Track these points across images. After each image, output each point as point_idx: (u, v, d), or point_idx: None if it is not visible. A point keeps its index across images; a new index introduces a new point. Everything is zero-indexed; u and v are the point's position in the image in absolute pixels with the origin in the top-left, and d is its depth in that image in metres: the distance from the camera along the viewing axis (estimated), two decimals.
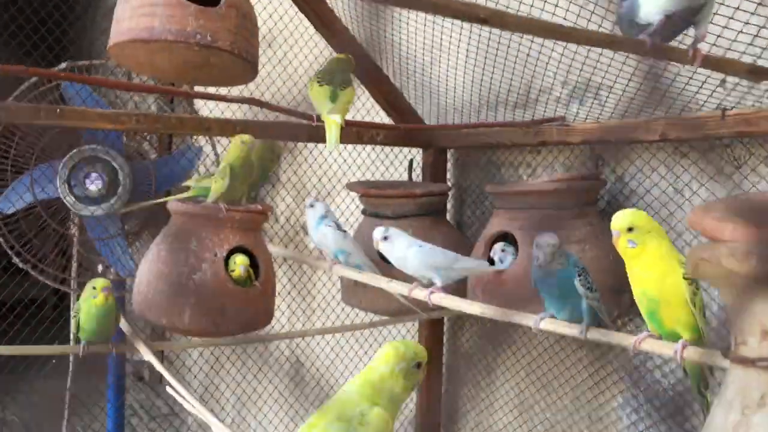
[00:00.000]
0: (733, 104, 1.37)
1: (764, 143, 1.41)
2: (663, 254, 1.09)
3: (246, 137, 1.66)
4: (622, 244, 1.11)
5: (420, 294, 1.45)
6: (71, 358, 2.85)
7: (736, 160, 1.47)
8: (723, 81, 1.38)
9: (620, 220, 1.11)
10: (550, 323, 1.27)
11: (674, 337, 1.13)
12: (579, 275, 1.25)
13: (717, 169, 1.51)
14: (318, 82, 1.64)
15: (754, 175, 1.43)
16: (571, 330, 1.25)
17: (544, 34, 0.81)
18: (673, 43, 1.10)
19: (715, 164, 1.51)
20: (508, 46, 1.72)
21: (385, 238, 1.49)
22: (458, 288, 1.75)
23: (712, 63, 1.03)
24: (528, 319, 1.30)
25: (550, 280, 1.27)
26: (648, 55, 0.93)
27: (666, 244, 1.10)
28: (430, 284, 1.47)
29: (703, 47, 0.86)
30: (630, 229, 1.10)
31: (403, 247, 1.48)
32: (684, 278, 1.07)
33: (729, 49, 1.22)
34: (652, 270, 1.10)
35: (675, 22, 0.95)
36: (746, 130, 1.33)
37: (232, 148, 1.66)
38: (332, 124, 1.60)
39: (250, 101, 1.62)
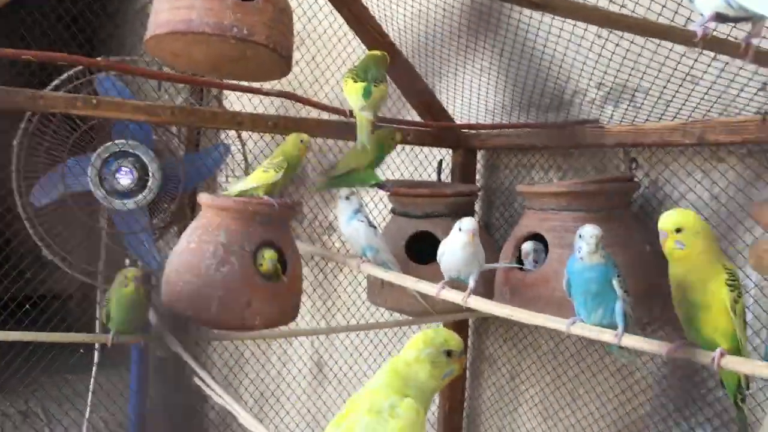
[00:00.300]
0: None
1: None
2: (710, 258, 1.06)
3: (305, 136, 1.68)
4: (669, 245, 1.08)
5: (455, 297, 1.43)
6: (96, 350, 2.88)
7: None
8: (765, 84, 1.35)
9: (669, 220, 1.08)
10: (582, 328, 1.24)
11: (711, 345, 1.09)
12: (618, 276, 1.22)
13: (756, 175, 1.48)
14: (352, 78, 1.65)
15: None
16: (605, 335, 1.21)
17: (593, 21, 0.79)
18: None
19: (754, 169, 1.48)
20: (544, 47, 1.71)
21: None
22: (486, 290, 1.74)
23: (763, 58, 1.01)
24: (559, 323, 1.27)
25: (588, 275, 1.23)
26: (698, 46, 0.91)
27: (714, 247, 1.07)
28: (455, 284, 1.46)
29: (755, 41, 0.84)
30: (678, 230, 1.07)
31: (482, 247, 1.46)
32: (726, 284, 1.05)
33: None
34: (696, 273, 1.07)
35: (728, 18, 0.93)
36: None
37: (289, 145, 1.68)
38: (364, 121, 1.59)
39: (285, 95, 1.63)
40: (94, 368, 2.91)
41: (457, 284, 1.48)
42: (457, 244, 1.43)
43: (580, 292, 1.26)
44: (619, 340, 1.18)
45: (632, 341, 1.18)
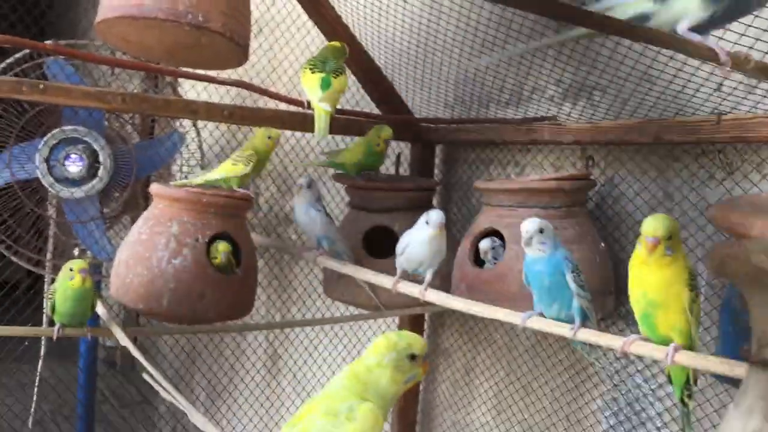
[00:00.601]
0: (729, 110, 1.36)
1: (757, 150, 1.41)
2: (679, 259, 1.07)
3: (274, 132, 1.66)
4: (659, 252, 1.06)
5: (413, 290, 1.43)
6: (43, 342, 2.80)
7: (729, 165, 1.46)
8: (720, 85, 1.37)
9: (660, 226, 1.06)
10: (538, 321, 1.26)
11: (665, 342, 1.11)
12: (572, 271, 1.24)
13: (709, 174, 1.50)
14: (310, 69, 1.62)
15: (746, 181, 1.42)
16: (560, 329, 1.23)
17: (557, 15, 0.78)
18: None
19: (707, 169, 1.51)
20: (504, 43, 1.71)
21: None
22: (442, 285, 1.73)
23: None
24: (516, 317, 1.28)
25: (536, 268, 1.25)
26: (721, 64, 0.92)
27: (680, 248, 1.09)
28: (409, 277, 1.46)
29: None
30: (669, 237, 1.06)
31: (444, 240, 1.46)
32: (687, 285, 1.06)
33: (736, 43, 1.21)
34: (660, 274, 1.08)
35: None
36: (741, 136, 1.32)
37: (258, 139, 1.66)
38: (322, 113, 1.57)
39: (241, 84, 1.59)
40: (40, 360, 2.83)
41: (413, 277, 1.47)
42: (424, 236, 1.43)
43: (535, 286, 1.28)
44: (574, 335, 1.20)
45: (588, 335, 1.19)
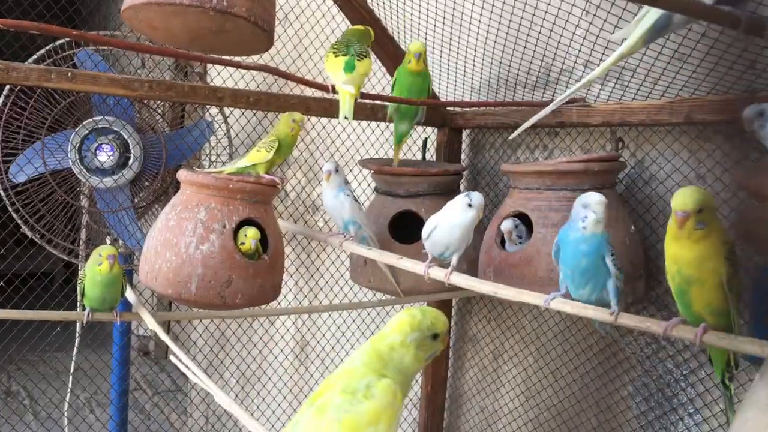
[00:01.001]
0: (763, 87, 1.33)
1: None
2: (717, 234, 1.02)
3: (297, 115, 1.65)
4: (689, 226, 1.02)
5: (438, 274, 1.40)
6: (77, 330, 2.85)
7: (763, 145, 1.42)
8: (753, 63, 1.33)
9: (690, 200, 1.01)
10: (564, 304, 1.21)
11: (699, 321, 1.07)
12: (612, 254, 1.19)
13: (743, 155, 1.46)
14: (333, 52, 1.62)
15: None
16: (597, 313, 1.17)
17: None
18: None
19: (741, 149, 1.47)
20: (530, 25, 1.68)
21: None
22: (469, 269, 1.72)
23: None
24: (539, 299, 1.24)
25: (583, 247, 1.20)
26: (742, 31, 0.90)
27: (717, 222, 1.05)
28: (438, 263, 1.44)
29: None
30: (700, 210, 1.01)
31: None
32: (726, 258, 1.01)
33: None
34: (697, 250, 1.03)
35: None
36: None
37: (282, 124, 1.65)
38: (346, 95, 1.57)
39: (266, 69, 1.59)
40: (75, 347, 2.88)
41: (440, 262, 1.46)
42: (462, 219, 1.40)
43: (569, 265, 1.23)
44: (615, 319, 1.14)
45: (627, 320, 1.14)
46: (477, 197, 1.39)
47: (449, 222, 1.41)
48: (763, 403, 0.39)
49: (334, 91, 1.62)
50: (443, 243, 1.43)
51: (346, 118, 1.56)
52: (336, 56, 1.60)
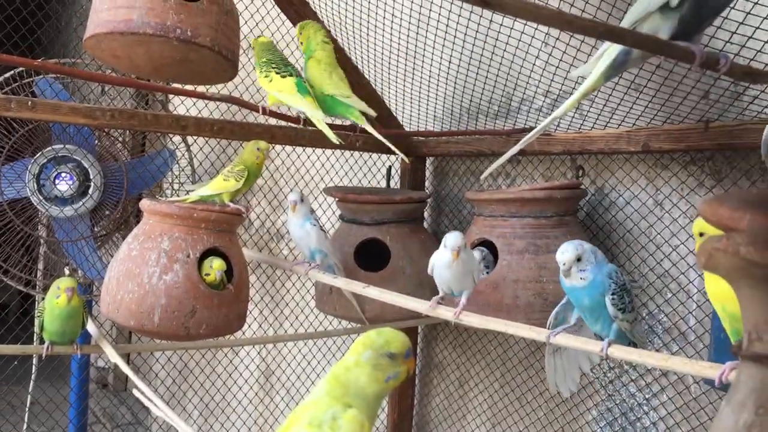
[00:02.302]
0: (716, 117, 1.37)
1: (746, 156, 1.41)
2: None
3: (262, 144, 1.65)
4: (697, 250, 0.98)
5: (446, 314, 1.33)
6: (34, 362, 2.78)
7: (717, 173, 1.47)
8: (707, 93, 1.38)
9: (694, 225, 1.00)
10: (566, 338, 1.17)
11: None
12: (613, 293, 1.15)
13: (698, 182, 1.51)
14: (276, 72, 1.62)
15: (736, 188, 1.43)
16: (590, 346, 1.14)
17: (544, 20, 0.78)
18: None
19: (696, 177, 1.51)
20: (492, 56, 1.72)
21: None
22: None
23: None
24: (543, 334, 1.20)
25: (574, 294, 1.19)
26: (698, 66, 0.94)
27: None
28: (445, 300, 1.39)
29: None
30: (701, 234, 0.99)
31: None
32: None
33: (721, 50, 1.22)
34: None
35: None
36: (729, 143, 1.33)
37: (247, 152, 1.65)
38: (321, 123, 1.59)
39: (230, 99, 1.59)
40: (32, 380, 2.80)
41: (451, 299, 1.40)
42: (444, 260, 1.35)
43: (576, 307, 1.21)
44: (605, 354, 1.11)
45: (623, 353, 1.11)
46: (450, 239, 1.33)
47: (438, 262, 1.38)
48: (729, 428, 0.41)
49: (306, 124, 1.64)
50: (442, 282, 1.39)
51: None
52: (283, 77, 1.60)
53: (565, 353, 1.37)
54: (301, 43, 1.73)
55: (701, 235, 1.00)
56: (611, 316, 1.16)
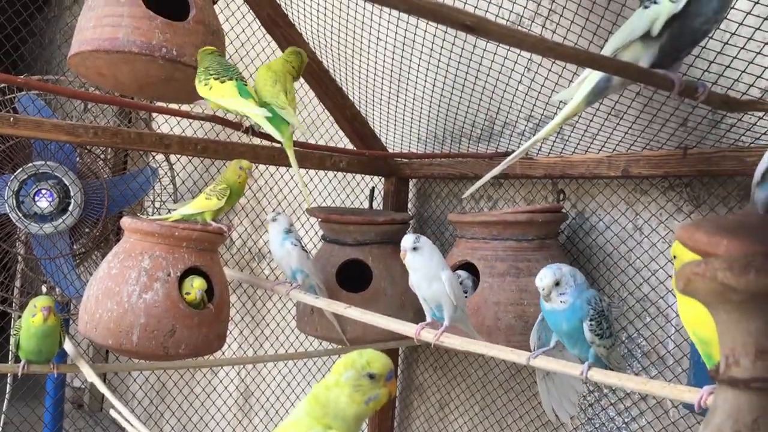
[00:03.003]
0: (694, 144, 1.39)
1: (723, 183, 1.44)
2: None
3: (245, 163, 1.63)
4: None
5: (428, 336, 1.30)
6: (9, 381, 2.73)
7: (696, 199, 1.49)
8: (685, 120, 1.40)
9: (676, 246, 1.00)
10: (546, 361, 1.17)
11: None
12: (591, 319, 1.15)
13: (676, 208, 1.53)
14: (215, 78, 1.52)
15: (713, 214, 1.45)
16: (571, 369, 1.14)
17: (527, 47, 0.80)
18: None
19: (675, 202, 1.53)
20: (475, 80, 1.74)
21: (415, 248, 1.30)
22: (417, 317, 1.73)
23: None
24: (522, 357, 1.19)
25: (552, 318, 1.19)
26: (677, 94, 0.96)
27: None
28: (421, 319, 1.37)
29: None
30: (674, 257, 1.01)
31: (434, 264, 1.30)
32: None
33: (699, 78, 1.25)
34: (699, 305, 0.98)
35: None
36: (707, 169, 1.35)
37: (230, 171, 1.63)
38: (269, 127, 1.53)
39: (214, 119, 1.59)
40: (5, 399, 2.75)
41: (436, 323, 1.36)
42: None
43: (556, 330, 1.21)
44: (585, 376, 1.11)
45: (603, 377, 1.11)
46: (403, 240, 1.31)
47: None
48: None
49: (250, 133, 1.60)
50: (421, 296, 1.35)
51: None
52: (222, 82, 1.52)
53: (556, 376, 1.37)
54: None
55: (674, 258, 1.01)
56: (588, 341, 1.17)
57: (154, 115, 2.91)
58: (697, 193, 1.49)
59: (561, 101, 1.23)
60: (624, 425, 1.64)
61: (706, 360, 1.02)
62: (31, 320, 1.57)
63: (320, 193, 2.48)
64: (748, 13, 1.17)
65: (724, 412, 0.42)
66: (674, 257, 1.01)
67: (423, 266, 1.30)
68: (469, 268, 1.64)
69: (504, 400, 1.92)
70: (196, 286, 1.54)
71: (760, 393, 0.41)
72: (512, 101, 1.73)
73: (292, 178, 2.51)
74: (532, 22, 1.71)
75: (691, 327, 1.01)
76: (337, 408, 0.84)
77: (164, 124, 2.73)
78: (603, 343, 1.16)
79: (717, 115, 1.36)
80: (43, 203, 2.37)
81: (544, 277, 1.17)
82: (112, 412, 1.46)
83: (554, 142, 1.69)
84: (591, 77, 1.14)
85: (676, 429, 1.52)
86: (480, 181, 1.30)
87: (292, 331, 2.50)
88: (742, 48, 1.20)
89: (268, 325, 2.64)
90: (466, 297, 1.58)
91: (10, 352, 2.75)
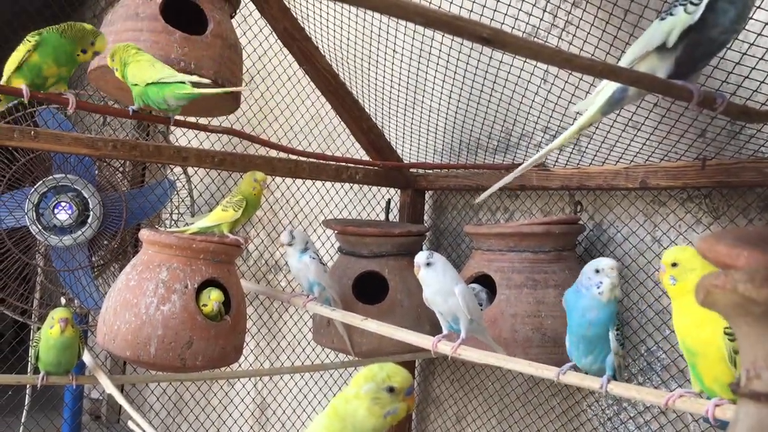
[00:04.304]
0: (713, 155, 1.38)
1: (743, 194, 1.42)
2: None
3: (259, 175, 1.64)
4: (665, 280, 1.03)
5: (445, 349, 1.30)
6: (27, 392, 2.75)
7: (715, 210, 1.48)
8: (703, 132, 1.39)
9: (667, 254, 1.04)
10: (573, 376, 1.17)
11: (715, 395, 1.01)
12: (617, 328, 1.17)
13: (695, 219, 1.52)
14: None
15: (733, 226, 1.43)
16: (591, 383, 1.14)
17: (543, 59, 0.80)
18: None
19: (694, 214, 1.52)
20: (491, 92, 1.74)
21: (429, 264, 1.31)
22: (433, 330, 1.72)
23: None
24: (551, 372, 1.19)
25: (592, 316, 1.18)
26: (695, 104, 0.96)
27: None
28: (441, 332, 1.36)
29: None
30: (674, 265, 1.03)
31: (448, 279, 1.30)
32: (725, 332, 0.96)
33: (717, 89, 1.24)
34: (690, 316, 1.00)
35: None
36: (725, 180, 1.34)
37: (245, 183, 1.64)
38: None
39: (231, 132, 1.60)
40: (24, 411, 2.77)
41: (453, 335, 1.36)
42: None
43: (575, 333, 1.21)
44: (605, 390, 1.12)
45: (621, 390, 1.12)
46: (416, 257, 1.33)
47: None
48: None
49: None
50: (436, 309, 1.36)
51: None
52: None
53: None
54: (116, 68, 1.53)
55: (674, 265, 1.03)
56: (612, 350, 1.17)
57: (171, 128, 2.94)
58: (717, 205, 1.48)
59: (578, 112, 1.23)
60: None
61: (691, 370, 1.04)
62: (50, 332, 1.59)
63: (336, 205, 2.49)
64: (767, 24, 1.16)
65: (745, 425, 0.42)
66: (673, 265, 1.03)
67: (437, 281, 1.31)
68: (486, 279, 1.63)
69: (522, 413, 1.90)
70: (213, 298, 1.54)
71: None
72: (529, 112, 1.73)
73: (308, 189, 2.52)
74: (549, 33, 1.71)
75: (681, 336, 1.03)
76: (355, 420, 0.84)
77: (182, 137, 2.76)
78: (623, 353, 1.18)
79: (736, 126, 1.35)
80: (63, 216, 2.40)
81: (615, 262, 1.18)
82: (130, 424, 1.46)
83: (571, 153, 1.68)
84: (607, 87, 1.14)
85: None
86: (491, 188, 1.30)
87: (309, 343, 2.50)
88: (761, 59, 1.19)
89: (284, 337, 2.64)
90: (481, 309, 1.58)
91: (30, 364, 2.78)
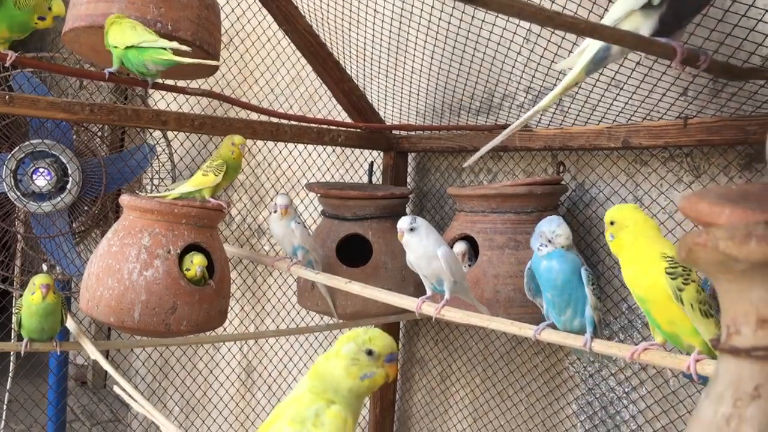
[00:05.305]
0: (695, 113, 1.39)
1: (724, 152, 1.43)
2: (644, 249, 1.05)
3: (237, 138, 1.61)
4: (607, 237, 1.11)
5: (429, 310, 1.32)
6: (12, 358, 2.75)
7: (696, 169, 1.48)
8: (686, 90, 1.39)
9: (607, 214, 1.11)
10: (551, 334, 1.20)
11: (678, 342, 1.07)
12: (592, 283, 1.21)
13: (677, 178, 1.52)
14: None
15: (714, 184, 1.44)
16: (573, 341, 1.17)
17: (526, 16, 0.79)
18: None
19: (675, 173, 1.53)
20: (474, 52, 1.72)
21: (412, 229, 1.32)
22: (417, 291, 1.74)
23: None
24: (528, 331, 1.22)
25: (554, 265, 1.22)
26: (679, 61, 0.95)
27: (642, 239, 1.06)
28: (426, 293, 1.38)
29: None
30: (612, 223, 1.10)
31: (431, 243, 1.31)
32: (666, 272, 1.01)
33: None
34: (633, 266, 1.07)
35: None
36: (707, 139, 1.34)
37: (223, 148, 1.61)
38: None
39: (211, 94, 1.58)
40: (9, 377, 2.77)
41: (438, 295, 1.38)
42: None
43: (546, 288, 1.25)
44: (588, 348, 1.14)
45: (603, 347, 1.14)
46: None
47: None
48: (708, 420, 0.41)
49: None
50: (420, 273, 1.37)
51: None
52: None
53: None
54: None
55: (612, 223, 1.10)
56: (589, 303, 1.21)
57: (150, 91, 2.89)
58: (698, 163, 1.49)
59: (561, 72, 1.22)
60: (624, 395, 1.65)
61: (649, 319, 1.10)
62: (31, 298, 1.58)
63: (319, 168, 2.48)
64: None
65: (725, 380, 0.42)
66: (611, 223, 1.10)
67: (420, 246, 1.32)
68: (469, 241, 1.64)
69: (505, 372, 1.93)
70: (196, 262, 1.54)
71: (761, 361, 0.41)
72: (511, 73, 1.72)
73: (290, 153, 2.50)
74: None
75: (631, 287, 1.09)
76: (333, 379, 0.85)
77: (161, 101, 2.72)
78: (601, 305, 1.22)
79: (718, 84, 1.35)
80: (41, 182, 2.36)
81: (561, 223, 1.23)
82: (116, 389, 1.47)
83: (554, 113, 1.68)
84: (591, 46, 1.13)
85: (676, 398, 1.53)
86: (479, 152, 1.29)
87: (293, 306, 2.51)
88: (743, 15, 1.19)
89: (269, 300, 2.65)
90: (470, 266, 1.59)
91: (13, 331, 2.77)
